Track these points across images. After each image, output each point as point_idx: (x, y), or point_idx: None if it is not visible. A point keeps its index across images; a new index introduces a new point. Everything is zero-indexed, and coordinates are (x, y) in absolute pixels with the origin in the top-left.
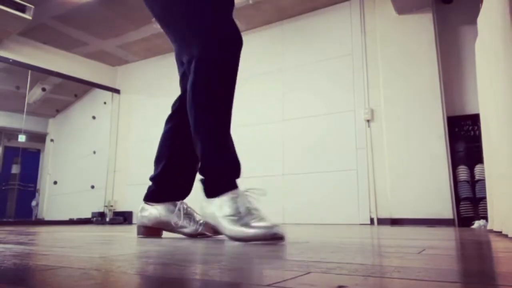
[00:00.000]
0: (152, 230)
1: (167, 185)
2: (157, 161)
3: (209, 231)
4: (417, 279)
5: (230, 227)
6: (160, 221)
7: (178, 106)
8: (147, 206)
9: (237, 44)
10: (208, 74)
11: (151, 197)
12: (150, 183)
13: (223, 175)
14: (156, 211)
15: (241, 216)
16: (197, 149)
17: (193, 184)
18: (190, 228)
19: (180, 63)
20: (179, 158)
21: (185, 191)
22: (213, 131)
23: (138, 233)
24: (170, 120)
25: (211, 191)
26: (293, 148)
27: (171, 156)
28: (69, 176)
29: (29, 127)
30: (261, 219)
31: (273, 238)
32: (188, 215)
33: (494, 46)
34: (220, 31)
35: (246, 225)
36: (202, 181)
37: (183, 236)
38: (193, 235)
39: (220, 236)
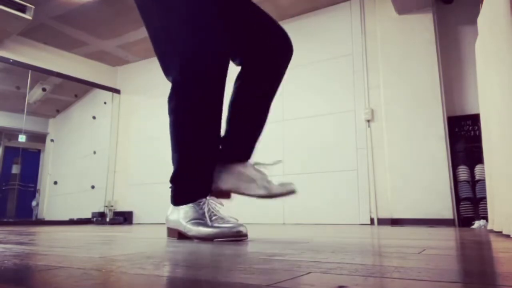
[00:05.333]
0: None
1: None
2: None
3: (174, 235)
4: (417, 279)
5: (194, 228)
6: None
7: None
8: None
9: (215, 66)
10: (185, 97)
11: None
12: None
13: (192, 188)
14: (231, 172)
15: (205, 219)
16: (173, 159)
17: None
18: (263, 190)
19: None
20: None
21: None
22: (191, 149)
23: None
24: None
25: (179, 200)
26: (293, 148)
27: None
28: (69, 176)
29: (29, 127)
30: (225, 221)
31: (237, 235)
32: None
33: (495, 46)
34: (197, 58)
35: (210, 226)
36: (172, 189)
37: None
38: (267, 196)
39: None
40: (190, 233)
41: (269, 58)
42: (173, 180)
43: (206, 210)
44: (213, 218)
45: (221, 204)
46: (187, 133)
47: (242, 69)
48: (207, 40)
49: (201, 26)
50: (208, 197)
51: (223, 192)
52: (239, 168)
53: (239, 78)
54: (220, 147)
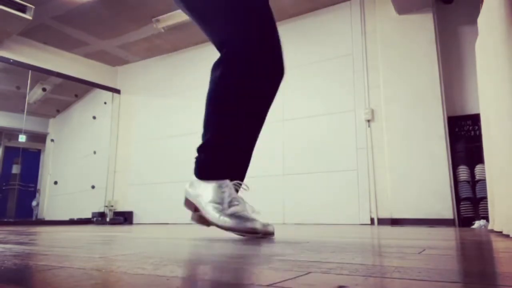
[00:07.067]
0: None
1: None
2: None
3: (191, 208)
4: (417, 279)
5: (212, 213)
6: None
7: None
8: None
9: (278, 73)
10: (240, 68)
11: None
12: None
13: (220, 163)
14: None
15: (224, 205)
16: (208, 126)
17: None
18: None
19: None
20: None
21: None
22: (232, 119)
23: None
24: None
25: (204, 173)
26: (293, 148)
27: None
28: (70, 176)
29: (29, 127)
30: (244, 210)
31: (250, 232)
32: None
33: (495, 46)
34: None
35: (228, 215)
36: (197, 159)
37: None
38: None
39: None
40: (207, 215)
41: (256, 55)
42: (203, 147)
43: (227, 194)
44: (234, 204)
45: (247, 187)
46: (232, 101)
47: (223, 61)
48: (267, 20)
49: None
50: (231, 181)
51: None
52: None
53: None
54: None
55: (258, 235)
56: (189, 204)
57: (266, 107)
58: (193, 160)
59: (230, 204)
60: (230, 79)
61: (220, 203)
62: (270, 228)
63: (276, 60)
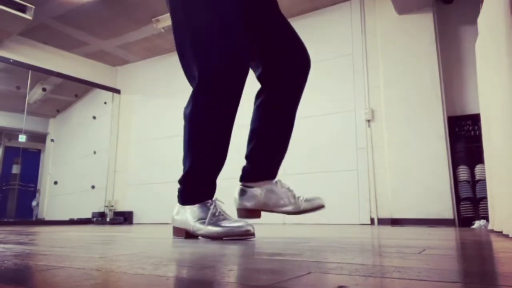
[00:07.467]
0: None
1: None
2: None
3: (181, 234)
4: (417, 279)
5: (204, 228)
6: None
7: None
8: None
9: (235, 76)
10: (205, 101)
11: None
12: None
13: (201, 189)
14: (258, 191)
15: (213, 218)
16: (185, 160)
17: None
18: (291, 206)
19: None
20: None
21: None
22: (203, 153)
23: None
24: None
25: (187, 200)
26: (293, 148)
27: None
28: (70, 176)
29: (29, 127)
30: (232, 221)
31: (245, 234)
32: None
33: (495, 46)
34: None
35: (218, 225)
36: (179, 190)
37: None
38: (296, 212)
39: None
40: (199, 232)
41: (291, 71)
42: (183, 180)
43: (213, 210)
44: (221, 217)
45: (222, 202)
46: (201, 138)
47: (262, 83)
48: (232, 46)
49: (226, 30)
50: (214, 198)
51: (251, 210)
52: (266, 186)
53: (260, 94)
54: (246, 166)
55: (248, 238)
56: (178, 231)
57: (230, 122)
58: (176, 191)
59: (218, 218)
60: (200, 111)
61: (209, 219)
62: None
63: (240, 74)
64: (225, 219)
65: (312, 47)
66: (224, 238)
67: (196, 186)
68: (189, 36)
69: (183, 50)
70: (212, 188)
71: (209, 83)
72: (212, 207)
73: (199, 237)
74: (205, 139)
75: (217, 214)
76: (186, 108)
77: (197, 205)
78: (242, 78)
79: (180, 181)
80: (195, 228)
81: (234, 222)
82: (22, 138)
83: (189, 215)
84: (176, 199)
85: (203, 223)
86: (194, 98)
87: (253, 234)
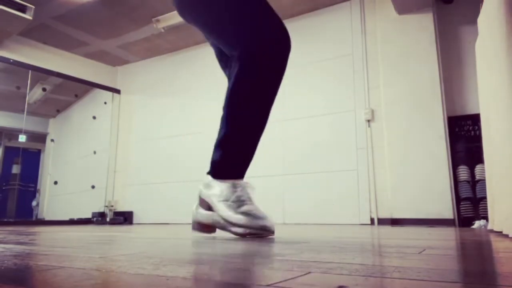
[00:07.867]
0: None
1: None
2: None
3: (204, 205)
4: (417, 279)
5: (225, 211)
6: None
7: None
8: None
9: (284, 49)
10: (254, 71)
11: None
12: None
13: (234, 164)
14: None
15: (237, 203)
16: (221, 130)
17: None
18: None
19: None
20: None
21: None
22: (246, 125)
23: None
24: None
25: (217, 173)
26: (293, 148)
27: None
28: (70, 176)
29: (29, 127)
30: (254, 210)
31: (262, 229)
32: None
33: (495, 46)
34: (270, 33)
35: (240, 212)
36: (214, 160)
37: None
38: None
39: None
40: (218, 212)
41: (269, 50)
42: (219, 145)
43: (240, 193)
44: (246, 203)
45: (254, 187)
46: (247, 104)
47: (238, 62)
48: (272, 18)
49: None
50: (243, 181)
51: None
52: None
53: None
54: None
55: (266, 234)
56: (203, 202)
57: (274, 97)
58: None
59: (243, 203)
60: (248, 77)
61: (233, 201)
62: (273, 228)
63: (284, 44)
64: (249, 205)
65: (312, 47)
66: (240, 231)
67: (230, 156)
68: (226, 9)
69: (213, 20)
70: (244, 166)
71: (265, 51)
72: (239, 189)
73: (216, 219)
74: (250, 104)
75: (242, 198)
76: (232, 68)
77: (226, 184)
78: (289, 48)
79: (216, 146)
80: (216, 207)
81: (255, 212)
82: (22, 138)
83: (216, 192)
84: (173, 198)
85: (228, 206)
86: (242, 62)
87: (270, 231)
